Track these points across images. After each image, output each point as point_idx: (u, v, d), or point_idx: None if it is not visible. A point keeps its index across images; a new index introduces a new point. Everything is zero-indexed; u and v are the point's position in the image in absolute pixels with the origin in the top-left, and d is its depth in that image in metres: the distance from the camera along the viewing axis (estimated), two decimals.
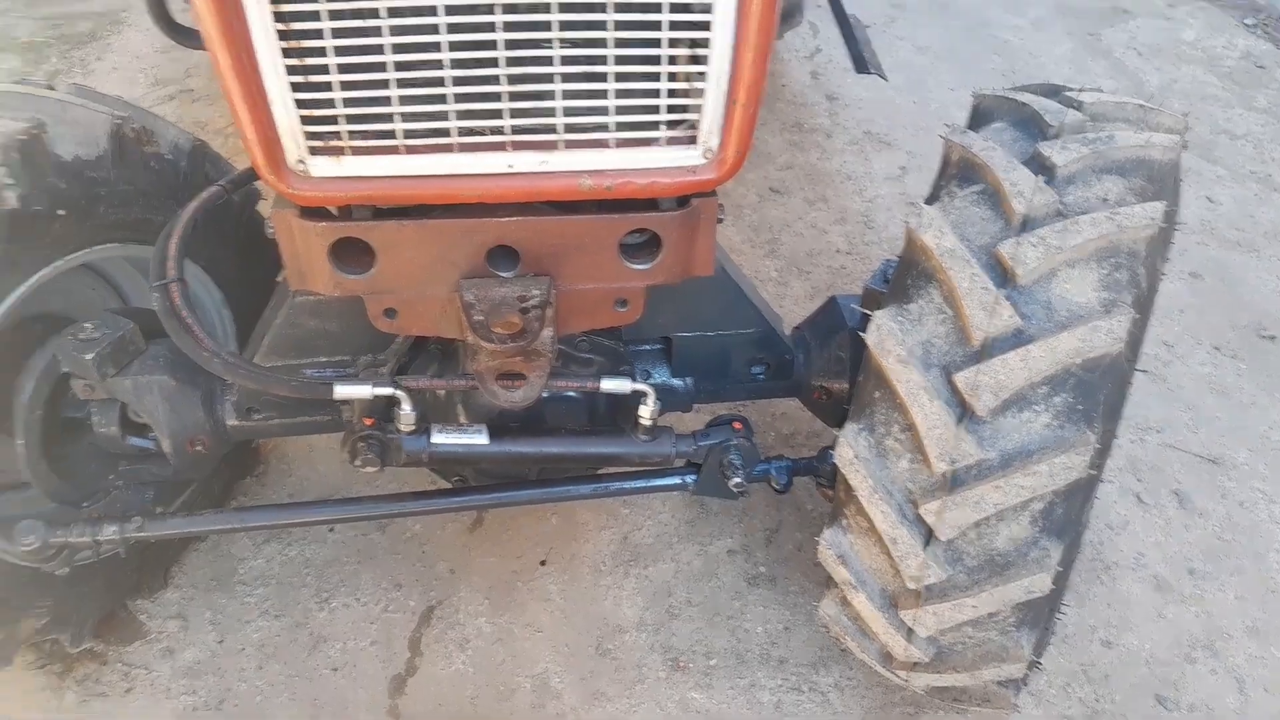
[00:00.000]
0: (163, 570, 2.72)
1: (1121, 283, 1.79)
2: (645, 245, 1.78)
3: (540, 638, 2.63)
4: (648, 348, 2.34)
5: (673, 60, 1.48)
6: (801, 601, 2.72)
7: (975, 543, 1.85)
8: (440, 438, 2.07)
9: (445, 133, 1.50)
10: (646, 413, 2.09)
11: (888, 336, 1.86)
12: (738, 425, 2.24)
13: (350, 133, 1.49)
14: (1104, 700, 2.52)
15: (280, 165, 1.51)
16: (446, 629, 2.64)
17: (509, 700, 2.50)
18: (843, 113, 4.84)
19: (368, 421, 2.06)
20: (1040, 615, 1.99)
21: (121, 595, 2.61)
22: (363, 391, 1.97)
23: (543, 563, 2.82)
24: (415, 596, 2.71)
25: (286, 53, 1.38)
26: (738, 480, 2.19)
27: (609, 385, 2.04)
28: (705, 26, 1.43)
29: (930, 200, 2.01)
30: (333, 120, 1.47)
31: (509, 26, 1.40)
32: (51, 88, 2.27)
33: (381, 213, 1.65)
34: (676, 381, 2.33)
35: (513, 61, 1.44)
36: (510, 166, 1.56)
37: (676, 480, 2.29)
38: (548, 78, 1.47)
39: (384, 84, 1.43)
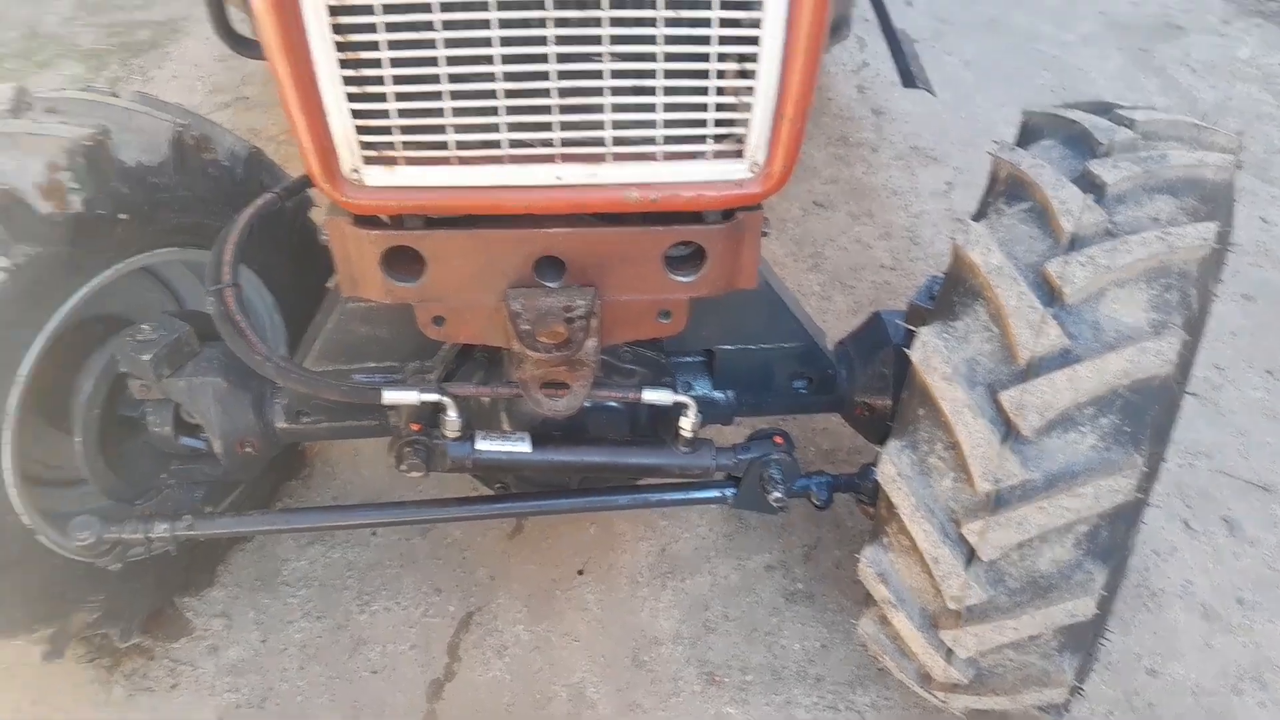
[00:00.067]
0: (210, 569, 2.77)
1: (1172, 304, 1.76)
2: (690, 257, 1.80)
3: (577, 647, 2.65)
4: (690, 359, 2.35)
5: (721, 74, 1.49)
6: (839, 619, 2.70)
7: (1018, 564, 1.83)
8: (484, 444, 2.10)
9: (496, 144, 1.53)
10: (687, 424, 2.09)
11: (933, 353, 1.85)
12: (779, 439, 2.23)
13: (404, 143, 1.52)
14: None
15: (335, 174, 1.54)
16: (485, 635, 2.67)
17: (545, 709, 2.51)
18: (889, 127, 4.82)
19: (414, 427, 2.09)
20: (1084, 640, 1.96)
21: (170, 592, 2.67)
22: (410, 397, 2.00)
23: (580, 572, 2.83)
24: (455, 602, 2.74)
25: (344, 64, 1.42)
26: (778, 495, 2.19)
27: (651, 396, 2.05)
28: (754, 41, 1.45)
29: (977, 217, 1.99)
30: (387, 131, 1.50)
31: (560, 40, 1.43)
32: (116, 95, 2.33)
33: (432, 222, 1.68)
34: (718, 394, 2.34)
35: (563, 75, 1.46)
36: (558, 178, 1.59)
37: (716, 493, 2.29)
38: (597, 91, 1.49)
39: (437, 95, 1.46)
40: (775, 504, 2.20)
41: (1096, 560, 1.82)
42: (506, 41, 1.42)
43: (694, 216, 1.71)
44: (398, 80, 1.44)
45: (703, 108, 1.52)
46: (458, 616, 2.71)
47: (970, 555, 1.84)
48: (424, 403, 2.02)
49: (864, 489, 2.29)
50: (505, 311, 1.77)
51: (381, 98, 1.45)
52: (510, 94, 1.47)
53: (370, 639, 2.65)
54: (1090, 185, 1.87)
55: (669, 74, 1.47)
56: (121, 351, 2.16)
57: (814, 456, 3.14)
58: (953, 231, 4.02)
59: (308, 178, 1.72)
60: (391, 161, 1.53)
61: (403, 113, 1.48)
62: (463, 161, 1.55)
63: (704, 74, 1.48)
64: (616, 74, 1.47)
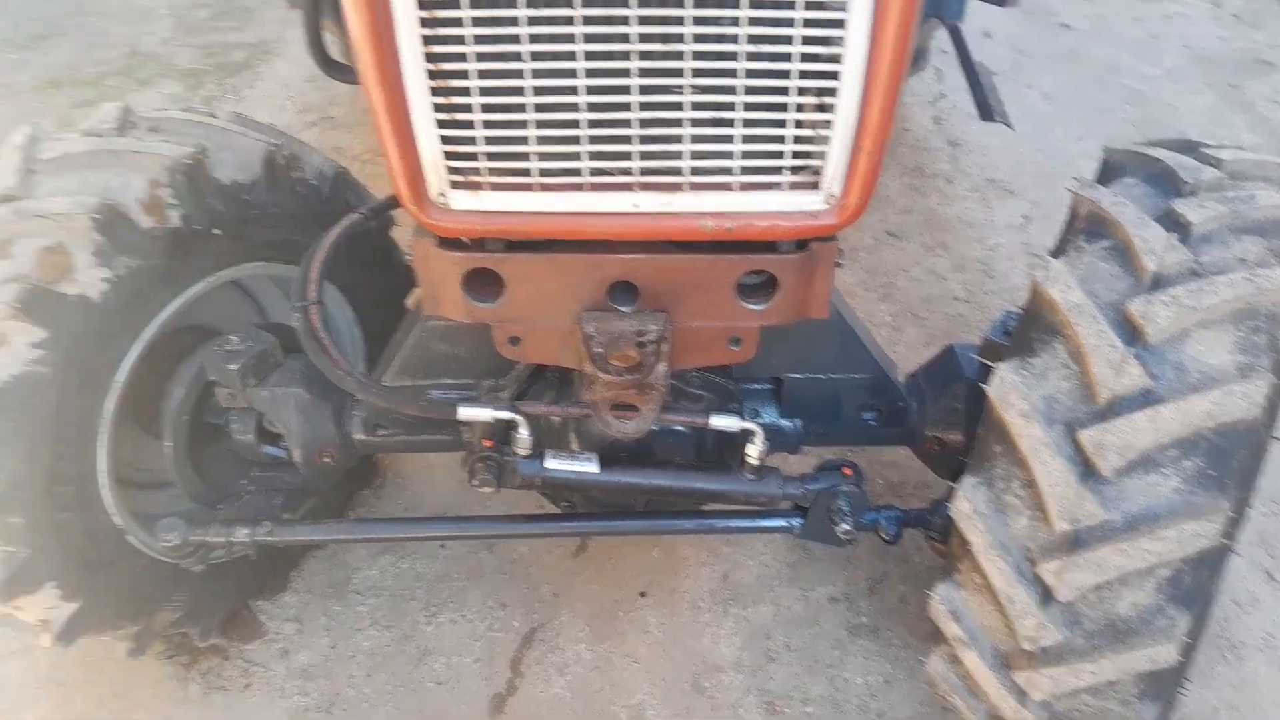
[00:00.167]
0: (284, 574, 2.85)
1: (1260, 346, 1.72)
2: (762, 286, 1.81)
3: (638, 669, 2.65)
4: (758, 387, 2.35)
5: (800, 108, 1.51)
6: (903, 655, 2.67)
7: (1096, 606, 1.79)
8: (553, 463, 2.14)
9: (577, 172, 1.57)
10: (754, 452, 2.10)
11: (1010, 390, 1.83)
12: (848, 471, 2.22)
13: (489, 169, 1.57)
14: None
15: (422, 197, 1.60)
16: (547, 652, 2.69)
17: None
18: (965, 159, 4.77)
19: (487, 443, 2.14)
20: (1164, 688, 1.90)
21: (246, 595, 2.75)
22: (484, 414, 2.05)
23: (643, 594, 2.84)
24: (519, 617, 2.78)
25: (435, 91, 1.47)
26: (846, 527, 2.17)
27: (718, 422, 2.06)
28: (834, 76, 1.46)
29: (1056, 253, 1.97)
30: (474, 157, 1.55)
31: (644, 73, 1.46)
32: (214, 115, 2.43)
33: (512, 245, 1.72)
34: (785, 422, 2.33)
35: (645, 106, 1.50)
36: (636, 206, 1.62)
37: (782, 522, 2.28)
38: (677, 122, 1.52)
39: (523, 124, 1.51)
40: (843, 536, 2.18)
41: (1179, 606, 1.77)
42: (591, 73, 1.46)
43: (767, 246, 1.73)
44: (485, 109, 1.49)
45: (780, 140, 1.54)
46: (521, 632, 2.74)
47: (1046, 595, 1.81)
48: (497, 420, 2.07)
49: (934, 525, 2.26)
50: (579, 334, 1.81)
51: (469, 125, 1.51)
52: (593, 124, 1.51)
53: (436, 650, 2.70)
54: (1174, 224, 1.84)
55: (748, 106, 1.50)
56: (210, 361, 2.25)
57: (881, 489, 3.11)
58: (1030, 266, 3.97)
59: (394, 199, 1.79)
60: (476, 186, 1.58)
61: (489, 140, 1.53)
62: (544, 188, 1.59)
63: (783, 107, 1.50)
64: (697, 106, 1.50)
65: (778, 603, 2.82)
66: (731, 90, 1.48)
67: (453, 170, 1.57)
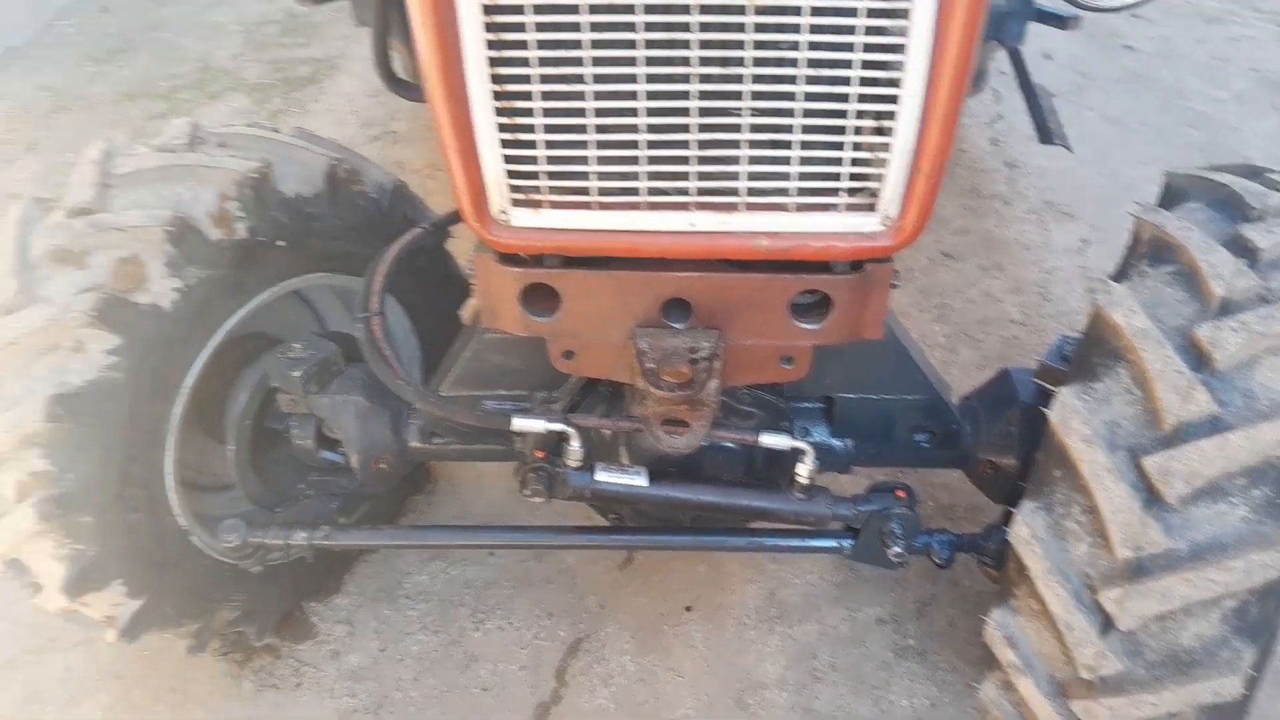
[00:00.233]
0: (337, 577, 2.90)
1: None
2: (816, 305, 1.81)
3: (682, 683, 2.66)
4: (809, 405, 2.35)
5: (858, 130, 1.52)
6: (951, 679, 2.64)
7: (1158, 636, 1.76)
8: (603, 475, 2.16)
9: (635, 191, 1.60)
10: (804, 471, 2.10)
11: (1072, 415, 1.81)
12: (901, 494, 2.21)
13: (550, 187, 1.60)
14: None
15: (484, 213, 1.64)
16: (592, 662, 2.71)
17: None
18: (1022, 181, 4.72)
19: (539, 454, 2.17)
20: None
21: (301, 597, 2.81)
22: (537, 425, 2.08)
23: (689, 609, 2.85)
24: (565, 627, 2.80)
25: (499, 111, 1.51)
26: (898, 550, 2.16)
27: (768, 440, 2.07)
28: (893, 99, 1.47)
29: (1118, 278, 1.95)
30: (535, 175, 1.58)
31: (703, 95, 1.49)
32: (277, 130, 2.50)
33: (570, 261, 1.75)
34: (836, 442, 2.32)
35: (704, 128, 1.52)
36: (692, 225, 1.64)
37: (833, 543, 2.27)
38: (735, 143, 1.54)
39: (584, 144, 1.54)
40: (894, 559, 2.17)
41: (1244, 638, 1.73)
42: (652, 95, 1.49)
43: (822, 266, 1.73)
44: (548, 129, 1.52)
45: (838, 161, 1.55)
46: (567, 642, 2.76)
47: (1106, 624, 1.78)
48: (549, 431, 2.10)
49: (987, 550, 2.24)
50: (632, 349, 1.83)
51: (532, 144, 1.54)
52: (652, 144, 1.54)
53: (482, 656, 2.73)
54: (1242, 250, 1.81)
55: (806, 129, 1.51)
56: (274, 368, 2.31)
57: (932, 511, 3.08)
58: (1088, 291, 3.92)
59: (456, 214, 1.83)
60: (537, 204, 1.62)
61: (550, 159, 1.56)
62: (603, 206, 1.62)
63: (841, 129, 1.51)
64: (755, 128, 1.52)
65: (824, 622, 2.81)
66: (790, 113, 1.49)
67: (514, 188, 1.60)
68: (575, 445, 2.11)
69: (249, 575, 2.46)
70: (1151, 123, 5.18)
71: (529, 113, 1.51)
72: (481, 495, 3.16)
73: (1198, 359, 1.72)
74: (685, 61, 1.45)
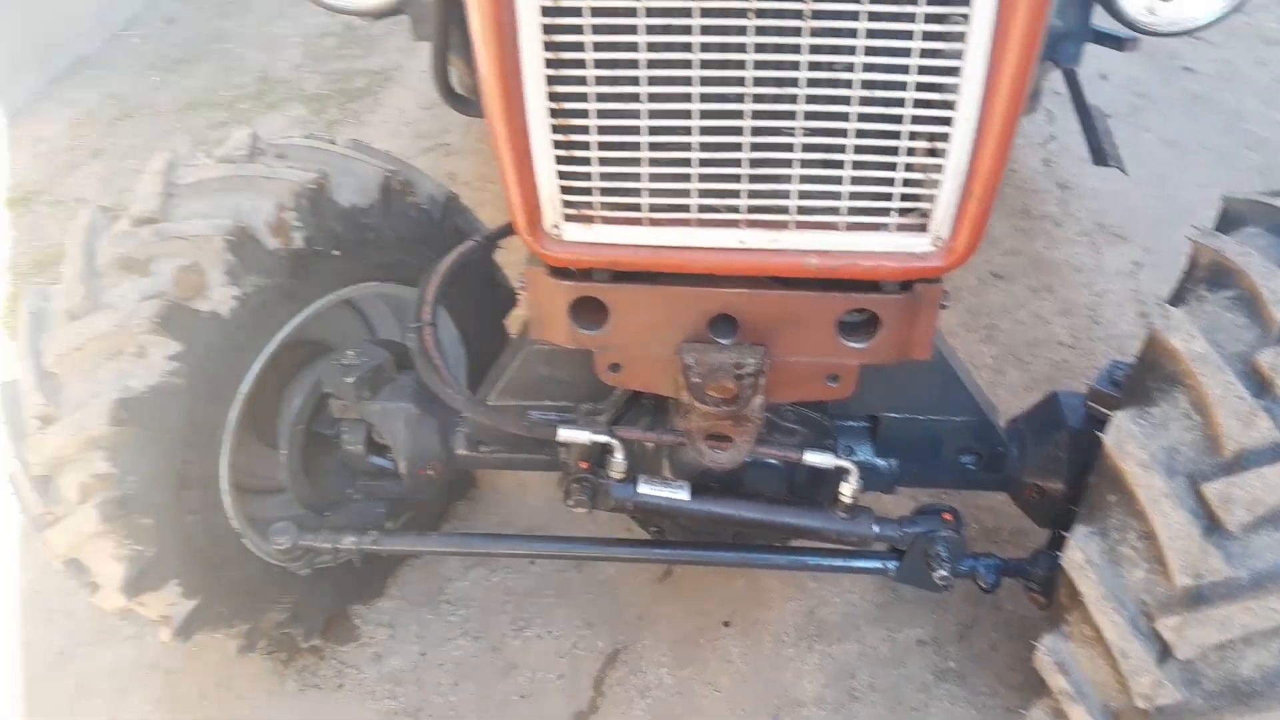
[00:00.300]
0: (381, 580, 2.94)
1: None
2: (863, 324, 1.81)
3: (719, 697, 2.66)
4: (854, 424, 2.34)
5: (910, 151, 1.52)
6: (991, 704, 2.61)
7: (1217, 666, 1.72)
8: (646, 488, 2.17)
9: (686, 208, 1.62)
10: (848, 490, 2.10)
11: (1128, 439, 1.79)
12: (948, 516, 2.20)
13: (602, 203, 1.62)
14: None
15: (538, 227, 1.66)
16: (630, 674, 2.72)
17: None
18: (1074, 202, 4.67)
19: (583, 465, 2.18)
20: None
21: (347, 599, 2.85)
22: (583, 437, 2.10)
23: (726, 624, 2.85)
24: (604, 638, 2.81)
25: (555, 129, 1.54)
26: (943, 573, 2.15)
27: (812, 458, 2.07)
28: (947, 122, 1.47)
29: (1175, 302, 1.93)
30: (588, 192, 1.61)
31: (756, 114, 1.50)
32: (333, 142, 2.54)
33: (618, 276, 1.77)
34: (880, 461, 2.32)
35: (756, 147, 1.53)
36: (742, 242, 1.65)
37: (877, 564, 2.26)
38: (787, 163, 1.55)
39: (637, 162, 1.56)
40: (939, 582, 2.16)
41: None
42: (705, 114, 1.50)
43: (871, 284, 1.73)
44: (602, 146, 1.55)
45: (890, 182, 1.55)
46: (605, 652, 2.78)
47: (1164, 652, 1.75)
48: (594, 443, 2.12)
49: (1034, 575, 2.22)
50: (678, 364, 1.84)
51: (586, 161, 1.57)
52: (704, 163, 1.56)
53: (521, 664, 2.75)
54: None
55: (859, 149, 1.52)
56: (328, 374, 2.36)
57: (975, 534, 3.05)
58: (1140, 314, 3.86)
59: (508, 227, 1.87)
60: (589, 219, 1.64)
61: (604, 176, 1.58)
62: (654, 223, 1.64)
63: (894, 150, 1.52)
64: (807, 147, 1.53)
65: (863, 642, 2.79)
66: (843, 133, 1.50)
67: (567, 204, 1.63)
68: (619, 457, 2.12)
69: (297, 578, 2.51)
70: (1210, 146, 5.08)
71: (584, 130, 1.54)
72: (524, 503, 3.19)
73: (1259, 385, 1.70)
74: (740, 82, 1.46)
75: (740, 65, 1.45)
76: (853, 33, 1.40)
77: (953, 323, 3.89)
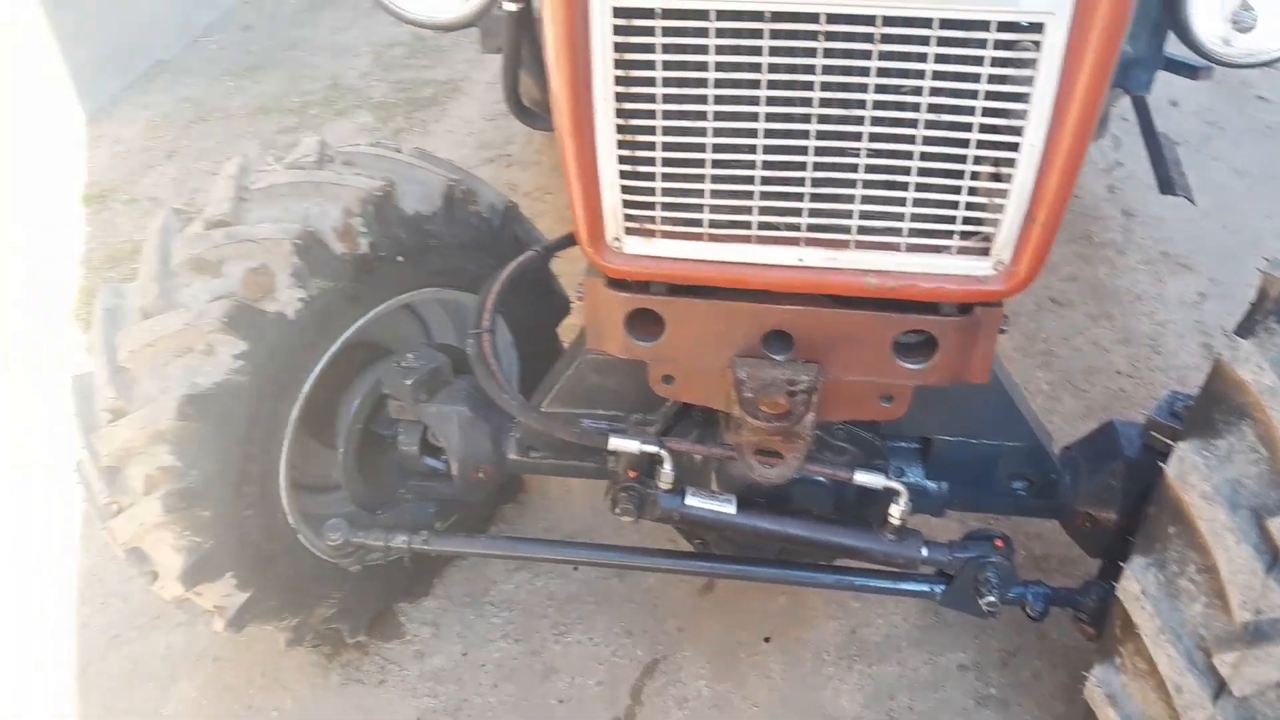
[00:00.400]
0: (428, 580, 2.98)
1: None
2: (920, 346, 1.80)
3: (757, 712, 2.65)
4: (905, 445, 2.33)
5: (975, 175, 1.52)
6: None
7: (1275, 705, 1.69)
8: (693, 500, 2.18)
9: (747, 225, 1.63)
10: (897, 512, 2.08)
11: (1191, 470, 1.76)
12: (1000, 543, 2.17)
13: (663, 218, 1.64)
14: None
15: (599, 239, 1.69)
16: (668, 684, 2.73)
17: None
18: (1139, 230, 4.58)
19: (631, 474, 2.20)
20: None
21: (394, 597, 2.89)
22: (633, 446, 2.12)
23: (767, 639, 2.84)
24: (643, 647, 2.82)
25: (621, 144, 1.56)
26: (991, 599, 2.13)
27: (862, 478, 2.06)
28: (1013, 148, 1.47)
29: (1243, 333, 1.90)
30: (650, 206, 1.63)
31: (821, 134, 1.51)
32: (399, 150, 2.60)
33: (675, 289, 1.78)
34: (931, 484, 2.30)
35: (820, 167, 1.54)
36: (800, 260, 1.66)
37: (924, 587, 2.25)
38: (850, 183, 1.55)
39: (700, 179, 1.58)
40: (987, 608, 2.14)
41: None
42: (770, 133, 1.52)
43: (929, 306, 1.73)
44: (666, 162, 1.57)
45: (953, 205, 1.55)
46: (644, 661, 2.78)
47: (1220, 688, 1.72)
48: (643, 453, 2.13)
49: (1084, 606, 2.19)
50: (731, 378, 1.85)
51: (650, 176, 1.59)
52: (767, 180, 1.57)
53: (561, 669, 2.77)
54: None
55: (922, 171, 1.52)
56: (388, 376, 2.41)
57: (1023, 561, 3.00)
58: (1205, 345, 3.78)
59: (569, 238, 1.89)
60: (650, 233, 1.66)
61: (666, 191, 1.60)
62: (713, 238, 1.65)
63: (959, 174, 1.51)
64: (871, 168, 1.53)
65: (904, 664, 2.77)
66: (908, 155, 1.50)
67: (629, 217, 1.65)
68: (667, 468, 2.14)
69: (347, 574, 2.56)
70: None
71: (650, 146, 1.56)
72: (569, 510, 3.22)
73: None
74: (807, 102, 1.48)
75: (808, 86, 1.46)
76: (922, 56, 1.40)
77: (1008, 347, 3.84)
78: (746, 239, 1.65)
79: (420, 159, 2.60)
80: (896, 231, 1.60)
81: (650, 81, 1.49)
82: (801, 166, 1.54)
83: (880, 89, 1.45)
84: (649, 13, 1.42)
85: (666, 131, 1.54)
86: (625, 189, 1.61)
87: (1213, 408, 1.83)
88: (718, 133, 1.53)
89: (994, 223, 1.56)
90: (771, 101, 1.49)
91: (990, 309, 1.74)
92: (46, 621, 2.97)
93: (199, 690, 2.75)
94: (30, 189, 5.08)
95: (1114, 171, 5.03)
